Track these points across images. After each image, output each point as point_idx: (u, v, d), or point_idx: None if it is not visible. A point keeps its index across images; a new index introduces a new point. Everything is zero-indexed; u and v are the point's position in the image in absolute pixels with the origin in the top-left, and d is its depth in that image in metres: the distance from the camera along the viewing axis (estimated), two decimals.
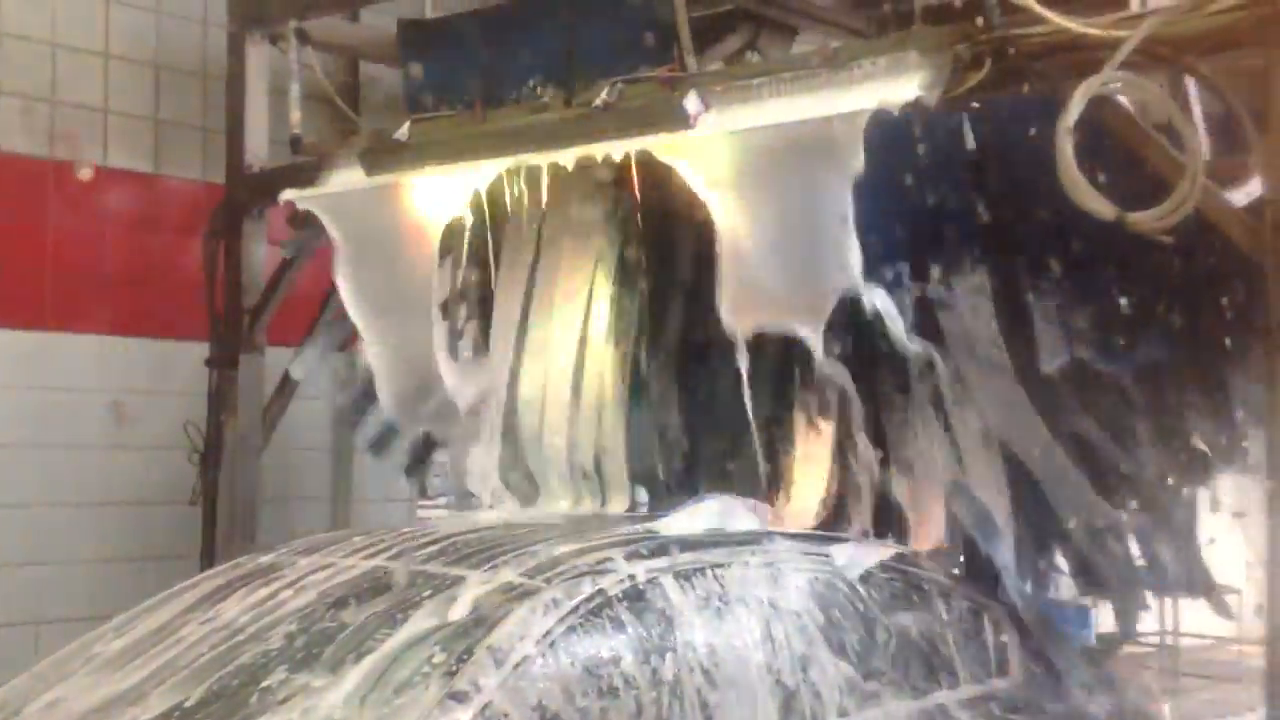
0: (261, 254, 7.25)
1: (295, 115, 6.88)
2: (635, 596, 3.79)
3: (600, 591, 3.72)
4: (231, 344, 7.18)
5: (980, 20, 4.62)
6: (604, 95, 5.36)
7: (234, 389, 7.17)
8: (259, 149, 7.20)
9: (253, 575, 4.18)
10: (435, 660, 3.39)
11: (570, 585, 3.71)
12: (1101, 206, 4.29)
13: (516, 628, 3.50)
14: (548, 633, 3.53)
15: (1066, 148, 4.24)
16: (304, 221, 6.65)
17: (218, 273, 7.22)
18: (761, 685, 3.90)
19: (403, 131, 6.06)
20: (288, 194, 6.51)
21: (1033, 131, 4.87)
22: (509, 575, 3.76)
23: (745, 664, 3.90)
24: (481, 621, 3.53)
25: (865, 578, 4.42)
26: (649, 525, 4.49)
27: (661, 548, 4.05)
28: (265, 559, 4.30)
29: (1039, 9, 4.38)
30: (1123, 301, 5.27)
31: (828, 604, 4.26)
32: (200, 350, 7.34)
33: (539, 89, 5.68)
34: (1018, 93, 4.69)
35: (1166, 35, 4.25)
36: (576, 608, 3.64)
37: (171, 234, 7.64)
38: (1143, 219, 4.26)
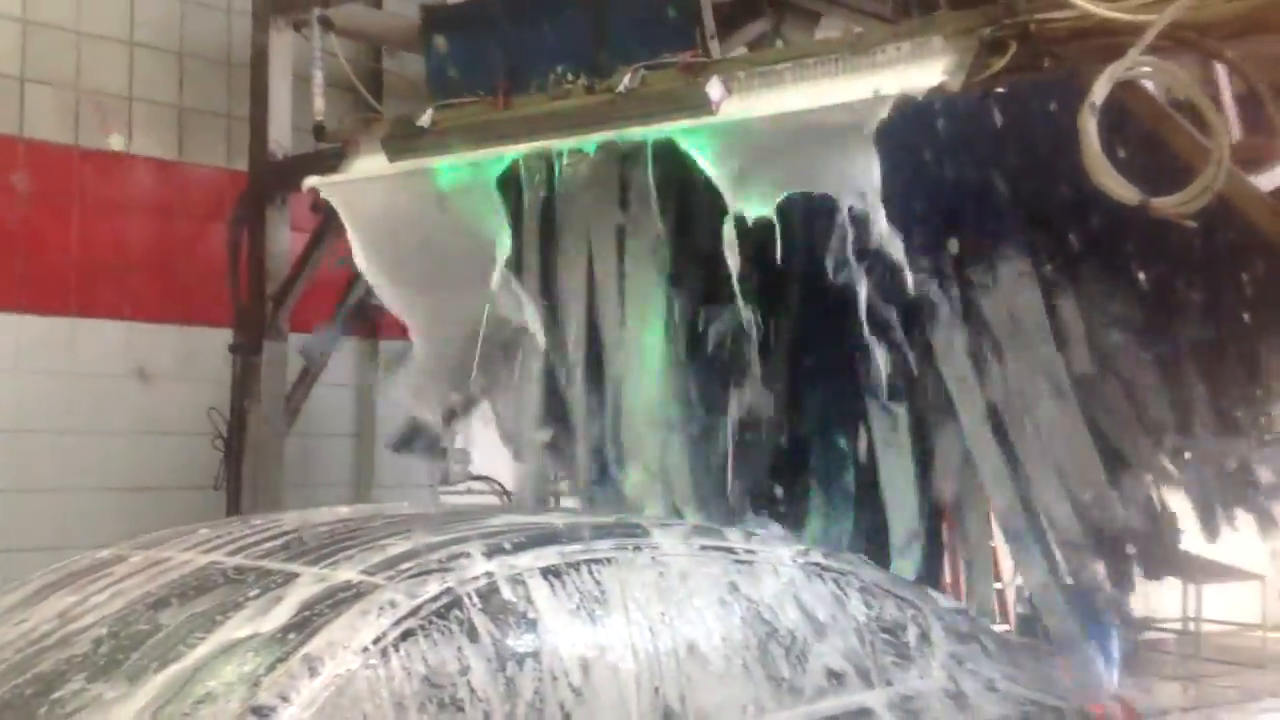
0: (285, 241, 7.28)
1: (319, 102, 6.90)
2: (491, 596, 3.37)
3: (448, 591, 3.31)
4: (255, 330, 7.22)
5: (1005, 4, 4.61)
6: (627, 81, 5.37)
7: (257, 375, 7.21)
8: (282, 136, 7.22)
9: (83, 573, 3.72)
10: (244, 670, 3.01)
11: (412, 584, 3.30)
12: (1125, 191, 4.27)
13: (340, 633, 3.11)
14: (379, 638, 3.12)
15: (1091, 132, 4.23)
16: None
17: (241, 259, 7.26)
18: (639, 697, 3.48)
19: (426, 118, 6.08)
20: (311, 181, 6.53)
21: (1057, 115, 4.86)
22: (347, 573, 3.37)
23: (620, 673, 3.48)
24: (301, 626, 3.13)
25: (774, 573, 4.02)
26: (571, 520, 4.07)
27: (532, 541, 3.65)
28: (103, 554, 3.86)
29: None
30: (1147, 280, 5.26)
31: (727, 603, 3.85)
32: (224, 336, 7.38)
33: (565, 77, 5.67)
34: (1042, 77, 4.68)
35: (1192, 20, 4.23)
36: (417, 609, 3.23)
37: (196, 221, 7.68)
38: (1166, 204, 4.25)
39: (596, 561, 3.63)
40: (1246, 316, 5.23)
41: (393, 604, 3.22)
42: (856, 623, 4.09)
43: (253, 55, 7.35)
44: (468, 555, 3.46)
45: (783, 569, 4.04)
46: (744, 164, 5.14)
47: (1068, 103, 4.41)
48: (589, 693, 3.39)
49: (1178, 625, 11.14)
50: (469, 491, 8.76)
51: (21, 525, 6.94)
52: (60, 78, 7.29)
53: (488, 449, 8.79)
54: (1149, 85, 4.49)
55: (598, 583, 3.58)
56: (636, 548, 3.76)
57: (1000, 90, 4.86)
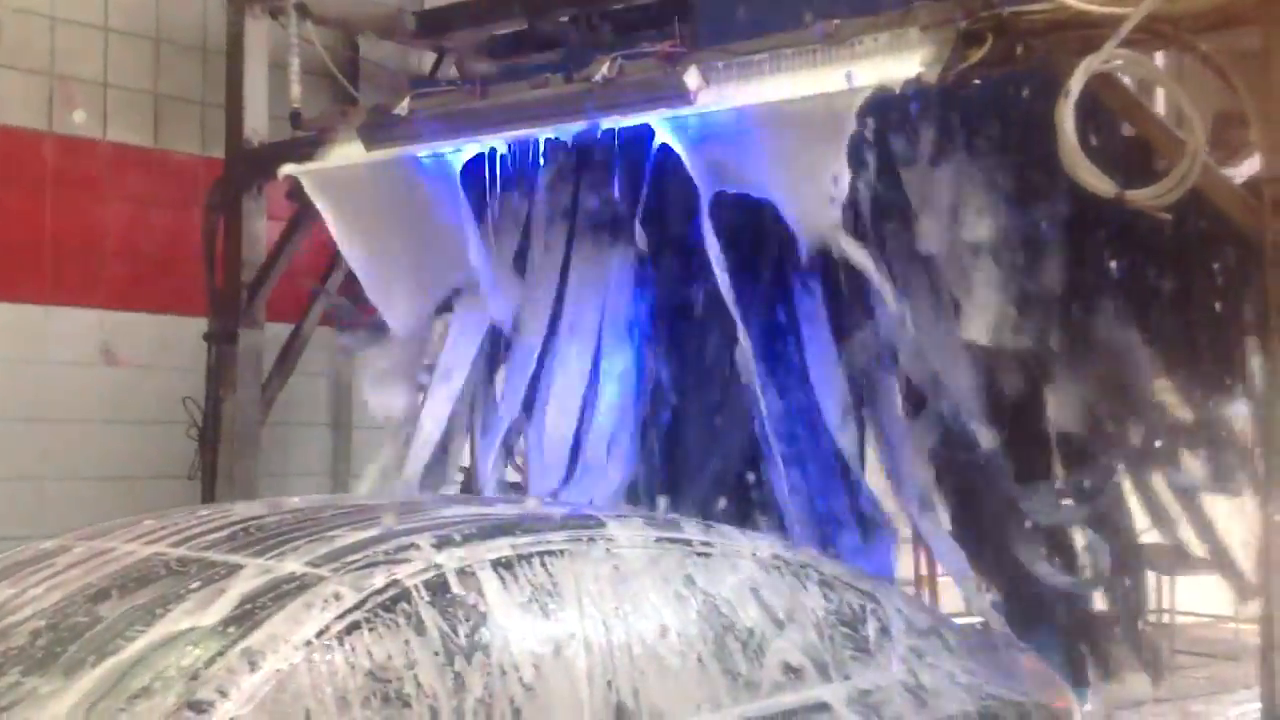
0: (261, 229, 7.25)
1: (295, 90, 6.87)
2: (440, 589, 3.29)
3: (395, 583, 3.23)
4: (230, 319, 7.19)
5: None
6: (604, 70, 5.36)
7: (233, 363, 7.18)
8: (259, 124, 7.19)
9: (24, 564, 3.63)
10: (182, 664, 2.93)
11: (358, 576, 3.23)
12: (1101, 183, 4.29)
13: (282, 626, 3.03)
14: (322, 632, 3.05)
15: (1067, 124, 4.24)
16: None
17: (217, 247, 7.22)
18: (591, 693, 3.42)
19: (402, 106, 6.06)
20: (287, 168, 6.51)
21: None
22: (292, 564, 3.29)
23: (573, 669, 3.42)
24: (242, 619, 3.06)
25: (731, 567, 3.95)
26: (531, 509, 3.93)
27: (483, 532, 3.56)
28: (47, 545, 3.77)
29: None
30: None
31: (683, 597, 3.78)
32: (199, 325, 7.35)
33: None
34: (1018, 69, 4.69)
35: (1167, 13, 4.24)
36: (362, 602, 3.15)
37: (171, 208, 7.64)
38: (1141, 196, 4.27)
39: (549, 553, 3.55)
40: (1218, 306, 5.27)
41: (337, 596, 3.15)
42: (815, 616, 4.04)
43: (228, 42, 7.31)
44: (416, 547, 3.38)
45: (740, 562, 3.97)
46: (721, 153, 5.16)
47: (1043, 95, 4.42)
48: (540, 688, 3.32)
49: (1152, 617, 11.20)
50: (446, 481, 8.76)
51: None
52: (34, 63, 7.24)
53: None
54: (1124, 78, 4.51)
55: (550, 575, 3.51)
56: (590, 539, 3.68)
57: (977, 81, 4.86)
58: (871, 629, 4.16)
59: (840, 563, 4.58)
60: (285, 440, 7.93)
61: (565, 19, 7.08)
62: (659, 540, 3.85)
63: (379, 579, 3.23)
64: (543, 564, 3.52)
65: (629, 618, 3.60)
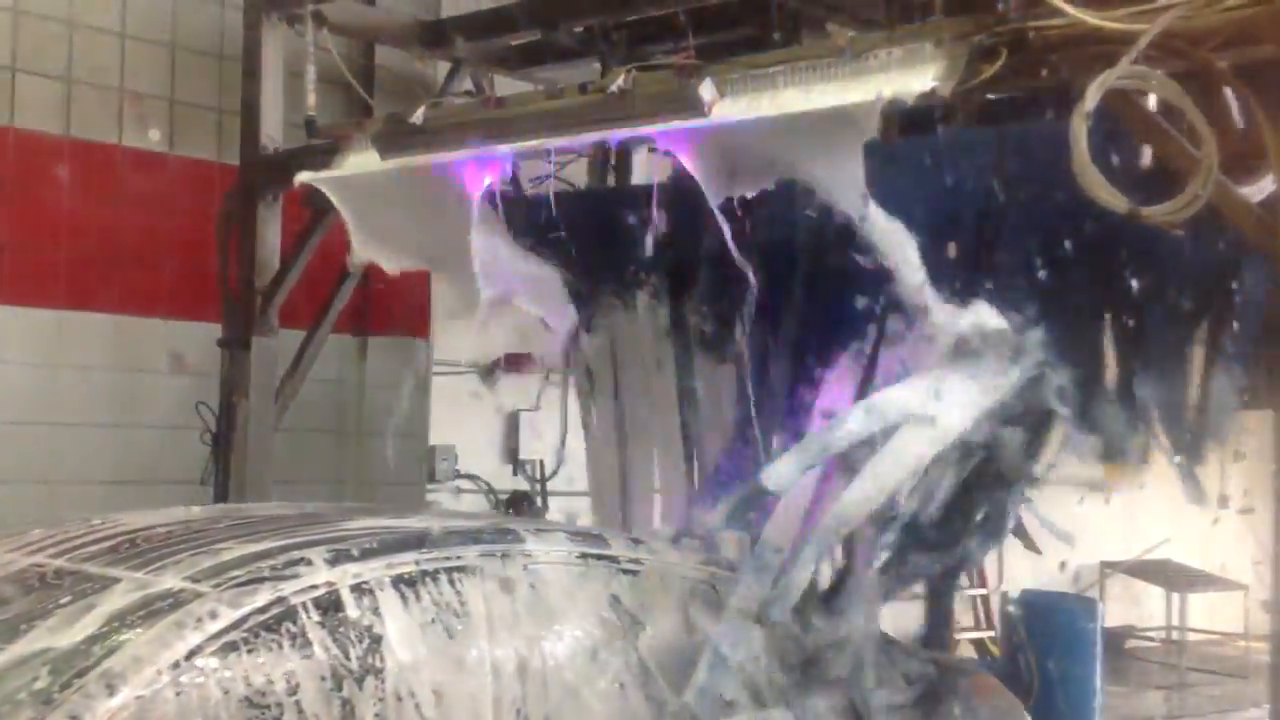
0: (275, 235, 7.27)
1: (311, 98, 6.89)
2: (331, 607, 3.06)
3: (279, 600, 3.01)
4: (244, 325, 7.21)
5: (997, 12, 4.62)
6: (619, 82, 5.37)
7: (246, 370, 7.19)
8: (274, 131, 7.21)
9: None
10: (35, 688, 2.70)
11: (238, 593, 3.00)
12: (1115, 199, 4.28)
13: (147, 648, 2.81)
14: (193, 652, 2.83)
15: (1081, 140, 4.23)
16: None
17: (231, 253, 7.25)
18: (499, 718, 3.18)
19: (418, 115, 6.07)
20: (302, 176, 6.52)
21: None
22: (171, 579, 3.07)
23: (478, 696, 3.18)
24: (106, 638, 2.83)
25: (661, 585, 3.70)
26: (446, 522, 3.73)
27: (385, 547, 3.31)
28: None
29: (1056, 1, 4.38)
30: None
31: (605, 618, 3.53)
32: (213, 331, 7.37)
33: None
34: (1033, 85, 4.69)
35: (1184, 29, 4.23)
36: (240, 621, 2.93)
37: (186, 215, 7.66)
38: (1155, 213, 4.26)
39: (458, 570, 3.32)
40: (1236, 325, 5.24)
41: (212, 615, 2.92)
42: (753, 639, 3.78)
43: (245, 49, 7.33)
44: (307, 562, 3.15)
45: (672, 580, 3.73)
46: (733, 164, 5.17)
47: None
48: (440, 717, 3.09)
49: (1161, 634, 11.17)
50: (457, 491, 8.78)
51: (7, 517, 6.91)
52: (51, 68, 7.27)
53: (476, 450, 8.86)
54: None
55: (458, 594, 3.28)
56: (505, 555, 3.44)
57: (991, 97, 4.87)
58: (810, 648, 3.92)
59: None
60: (298, 446, 7.95)
61: (579, 30, 7.10)
62: (583, 557, 3.62)
63: (261, 596, 3.01)
64: (450, 581, 3.29)
65: (545, 641, 3.38)
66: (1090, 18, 4.32)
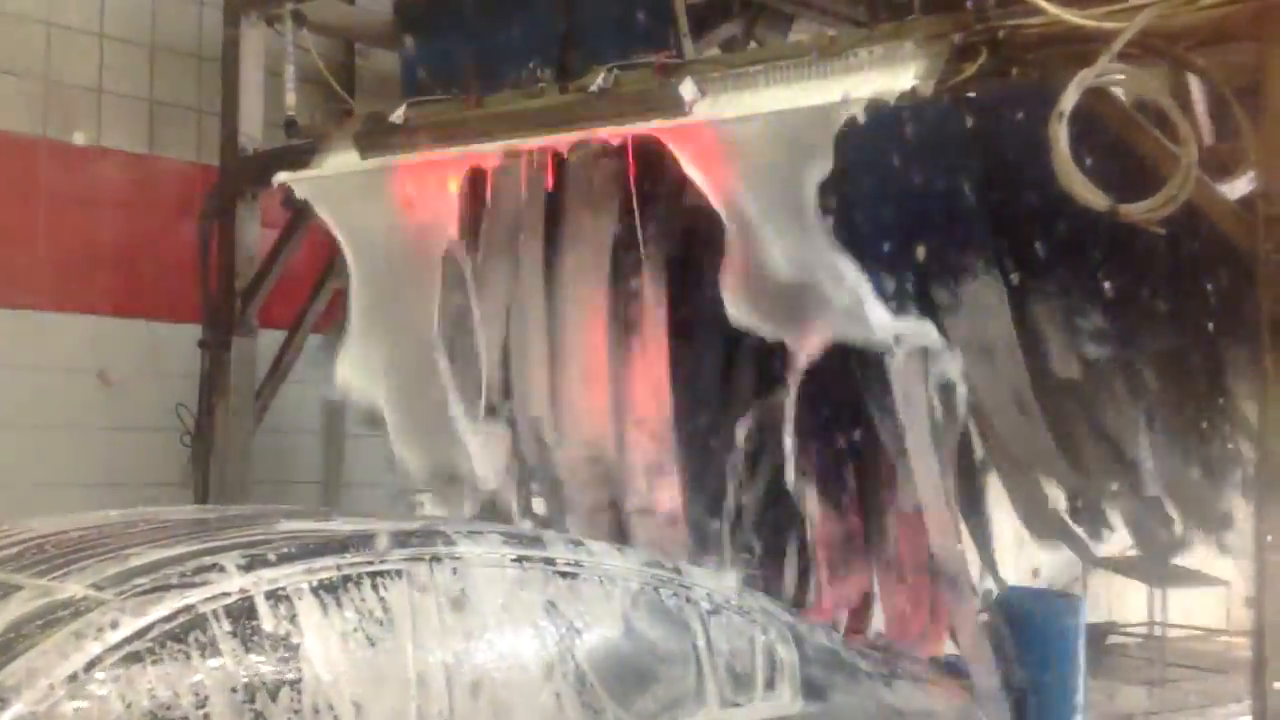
0: (255, 236, 7.25)
1: (290, 97, 6.88)
2: (243, 615, 2.90)
3: (187, 609, 2.85)
4: (224, 326, 7.19)
5: (976, 10, 4.62)
6: (599, 81, 5.36)
7: (226, 371, 7.18)
8: (253, 131, 7.19)
9: None
10: None
11: (143, 601, 2.83)
12: (1095, 197, 4.29)
13: (43, 659, 2.65)
14: (91, 664, 2.67)
15: (1061, 138, 4.24)
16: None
17: (211, 254, 7.22)
18: None
19: (398, 115, 6.06)
20: (281, 176, 6.50)
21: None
22: (74, 586, 2.90)
23: (403, 709, 3.03)
24: (1, 650, 2.69)
25: (601, 589, 3.55)
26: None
27: (305, 551, 3.14)
28: None
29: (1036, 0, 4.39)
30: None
31: (541, 624, 3.37)
32: (193, 332, 7.33)
33: (538, 72, 5.67)
34: (1013, 83, 4.70)
35: (1162, 27, 4.25)
36: (144, 631, 2.77)
37: (165, 215, 7.63)
38: (1135, 210, 4.27)
39: (383, 575, 3.15)
40: (1211, 325, 5.27)
41: (113, 624, 2.76)
42: (696, 644, 3.67)
43: (224, 49, 7.31)
44: (220, 568, 2.99)
45: (612, 584, 3.57)
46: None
47: (1036, 111, 4.42)
48: None
49: (1143, 630, 11.20)
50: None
51: None
52: (29, 68, 7.23)
53: None
54: (1119, 92, 4.52)
55: (382, 600, 3.11)
56: (435, 559, 3.26)
57: (969, 96, 4.87)
58: (761, 656, 3.82)
59: (731, 582, 4.16)
60: (278, 448, 7.92)
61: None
62: (518, 560, 3.45)
63: (167, 604, 2.85)
64: (374, 587, 3.12)
65: (476, 649, 3.21)
66: (1069, 16, 4.33)
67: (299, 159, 6.59)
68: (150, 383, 7.53)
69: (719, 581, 3.99)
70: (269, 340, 7.33)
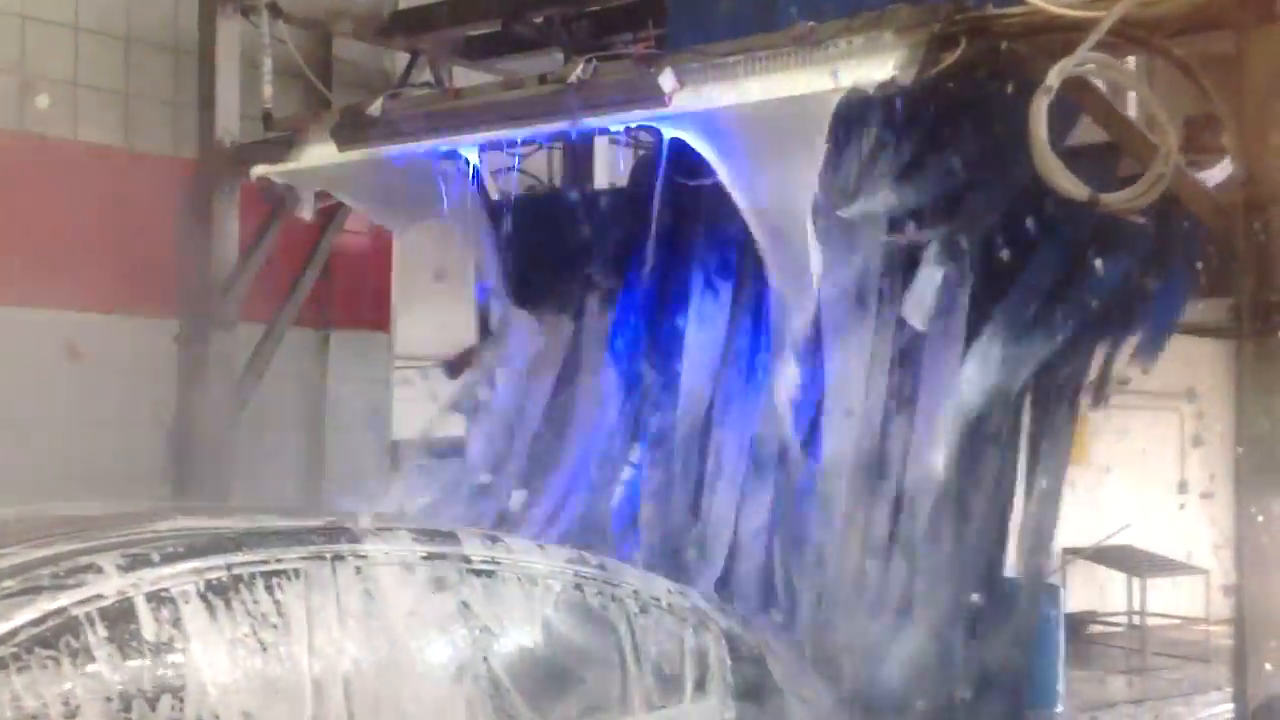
0: (233, 230, 7.20)
1: (268, 90, 6.84)
2: (122, 619, 2.72)
3: (59, 611, 2.68)
4: (202, 320, 7.14)
5: (956, 0, 4.62)
6: (578, 72, 5.34)
7: (204, 365, 7.14)
8: (231, 124, 7.15)
9: None
10: None
11: (9, 604, 2.66)
12: (1075, 187, 4.29)
13: None
14: None
15: (1040, 128, 4.24)
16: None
17: (189, 248, 7.17)
18: None
19: (375, 107, 6.03)
20: (259, 169, 6.47)
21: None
22: None
23: (298, 713, 2.83)
24: None
25: (519, 587, 3.35)
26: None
27: (193, 550, 2.93)
28: None
29: None
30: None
31: (452, 625, 3.18)
32: (172, 327, 7.29)
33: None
34: (992, 73, 4.70)
35: (1141, 17, 4.25)
36: (10, 635, 2.61)
37: (142, 209, 7.57)
38: (1115, 199, 4.27)
39: (278, 574, 2.95)
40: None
41: None
42: (622, 646, 3.51)
43: (200, 42, 7.27)
44: (97, 569, 2.78)
45: (532, 583, 3.38)
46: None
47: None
48: None
49: (1124, 619, 11.24)
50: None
51: None
52: (3, 62, 7.17)
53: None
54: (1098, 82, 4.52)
55: (277, 602, 2.91)
56: (336, 557, 3.06)
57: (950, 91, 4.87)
58: (690, 656, 3.66)
59: (662, 581, 4.00)
60: (257, 443, 7.88)
61: (539, 20, 7.06)
62: (428, 557, 3.24)
63: (37, 607, 2.67)
64: (268, 587, 2.93)
65: (380, 654, 3.01)
66: (1048, 5, 4.32)
67: (276, 152, 6.55)
68: (128, 378, 7.48)
69: (648, 580, 3.80)
70: (250, 334, 7.29)
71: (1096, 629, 11.27)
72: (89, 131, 7.49)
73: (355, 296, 8.31)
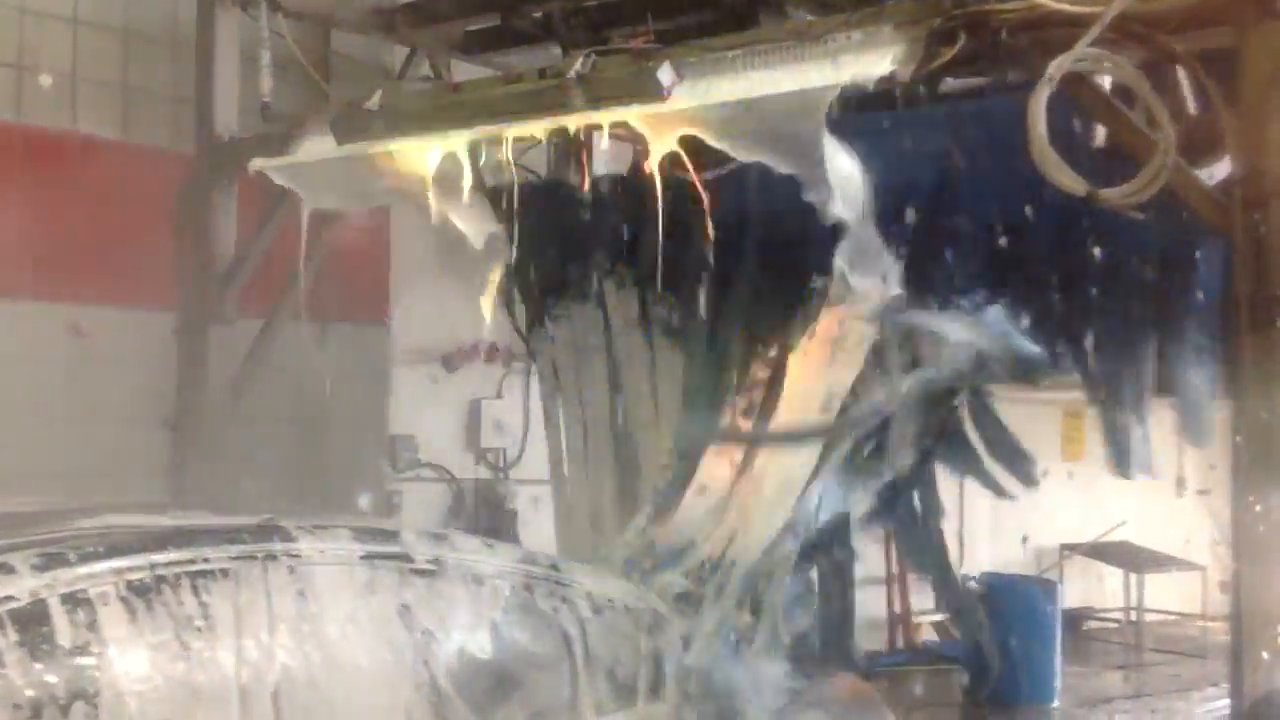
0: (231, 223, 7.20)
1: (266, 83, 6.83)
2: (34, 621, 2.58)
3: None
4: (200, 314, 7.14)
5: None
6: (578, 66, 5.33)
7: (204, 359, 7.14)
8: (229, 117, 7.14)
9: None
10: None
11: None
12: (1072, 182, 4.30)
13: None
14: None
15: (1039, 124, 4.24)
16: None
17: (187, 241, 7.17)
18: None
19: (374, 101, 6.02)
20: (257, 163, 6.46)
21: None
22: None
23: (224, 708, 2.70)
24: None
25: (464, 588, 3.20)
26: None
27: (114, 549, 2.77)
28: None
29: None
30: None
31: (390, 628, 3.02)
32: (170, 320, 7.29)
33: None
34: (991, 68, 4.70)
35: (1140, 12, 4.25)
36: None
37: (140, 202, 7.56)
38: (1113, 195, 4.28)
39: (205, 575, 2.79)
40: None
41: None
42: (572, 649, 3.38)
43: (198, 35, 7.26)
44: (9, 569, 2.64)
45: (478, 584, 3.23)
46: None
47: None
48: None
49: (1120, 615, 11.26)
50: (417, 478, 8.73)
51: None
52: (2, 55, 7.16)
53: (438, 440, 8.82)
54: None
55: (202, 603, 2.77)
56: (269, 556, 2.91)
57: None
58: (644, 658, 3.54)
59: (618, 582, 3.86)
60: (256, 437, 7.88)
61: (538, 15, 7.06)
62: (368, 557, 3.08)
63: None
64: (194, 589, 2.79)
65: (313, 658, 2.86)
66: (1048, 1, 4.32)
67: (275, 145, 6.54)
68: (128, 371, 7.48)
69: (603, 581, 3.65)
70: (249, 328, 7.29)
71: (1093, 624, 11.29)
72: (87, 124, 7.48)
73: (354, 290, 8.30)
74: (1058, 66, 4.22)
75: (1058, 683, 8.66)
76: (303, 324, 7.35)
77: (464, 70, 7.72)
